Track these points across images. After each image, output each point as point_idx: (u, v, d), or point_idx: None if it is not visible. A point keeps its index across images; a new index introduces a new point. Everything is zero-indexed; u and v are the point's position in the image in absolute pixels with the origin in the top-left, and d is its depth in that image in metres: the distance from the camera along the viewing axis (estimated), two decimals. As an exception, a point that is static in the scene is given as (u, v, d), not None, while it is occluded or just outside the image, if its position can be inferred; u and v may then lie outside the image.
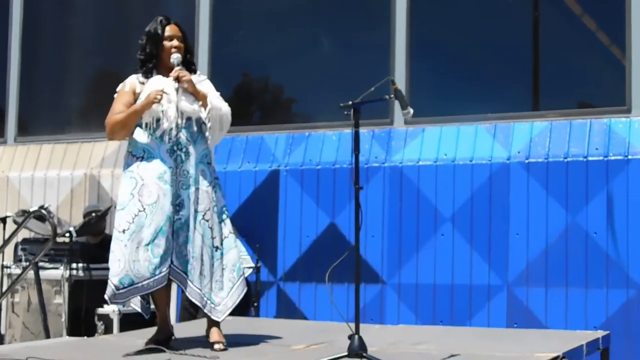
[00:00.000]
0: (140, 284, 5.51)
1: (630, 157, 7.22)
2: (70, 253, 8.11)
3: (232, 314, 5.72)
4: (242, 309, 7.46)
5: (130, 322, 7.48)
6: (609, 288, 7.19)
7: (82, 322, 7.99)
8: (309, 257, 8.11)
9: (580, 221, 7.31)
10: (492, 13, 8.08)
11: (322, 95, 8.54)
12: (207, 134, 5.72)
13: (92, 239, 8.72)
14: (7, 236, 8.19)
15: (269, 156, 8.43)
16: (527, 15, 8.01)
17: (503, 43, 8.05)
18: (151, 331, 5.88)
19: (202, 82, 5.85)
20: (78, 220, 8.81)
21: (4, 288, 8.26)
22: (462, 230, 7.64)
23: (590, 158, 7.34)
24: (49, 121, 10.09)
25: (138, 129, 5.67)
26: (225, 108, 5.81)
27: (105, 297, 5.60)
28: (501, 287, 7.50)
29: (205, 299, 5.60)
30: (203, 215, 5.61)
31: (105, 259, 8.41)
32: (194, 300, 5.63)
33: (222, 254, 5.65)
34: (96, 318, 7.90)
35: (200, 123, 5.72)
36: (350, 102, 5.33)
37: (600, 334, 6.24)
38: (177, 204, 5.56)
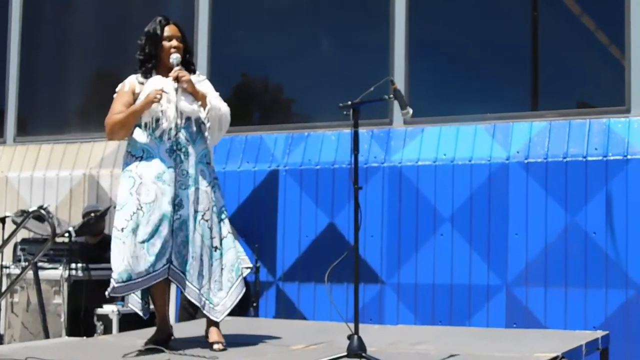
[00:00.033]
0: (137, 280, 5.52)
1: (629, 157, 7.22)
2: (70, 253, 8.11)
3: (231, 314, 5.72)
4: (241, 309, 7.46)
5: (129, 322, 7.48)
6: (608, 288, 7.19)
7: (82, 322, 7.98)
8: (308, 257, 8.11)
9: (579, 221, 7.31)
10: (491, 13, 8.08)
11: (322, 95, 8.54)
12: (206, 134, 5.73)
13: (91, 239, 8.72)
14: (6, 236, 8.19)
15: (268, 156, 8.43)
16: (526, 15, 8.01)
17: (502, 43, 8.05)
18: (150, 331, 5.88)
19: (201, 82, 5.86)
20: (77, 220, 8.81)
21: (3, 288, 8.25)
22: (461, 230, 7.64)
23: (589, 158, 7.34)
24: (48, 121, 10.09)
25: (137, 129, 5.67)
26: (224, 108, 5.81)
27: (106, 293, 5.62)
28: (500, 287, 7.50)
29: (203, 299, 5.60)
30: (202, 215, 5.61)
31: (104, 259, 8.44)
32: (192, 300, 5.63)
33: (221, 254, 5.65)
34: (95, 318, 7.90)
35: (199, 123, 5.73)
36: (349, 102, 5.33)
37: (599, 334, 6.24)
38: (176, 204, 5.56)
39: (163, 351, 5.47)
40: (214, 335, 5.64)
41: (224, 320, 5.72)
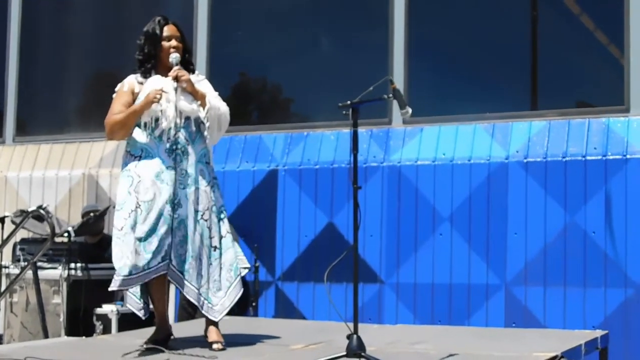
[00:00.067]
0: (134, 276, 5.51)
1: (628, 156, 7.22)
2: (69, 253, 8.11)
3: (230, 313, 5.72)
4: (240, 308, 7.47)
5: (128, 322, 7.48)
6: (607, 287, 7.19)
7: (81, 322, 7.98)
8: (307, 257, 8.11)
9: (578, 220, 7.31)
10: (490, 12, 8.08)
11: (321, 95, 8.54)
12: (205, 133, 5.73)
13: (91, 239, 8.73)
14: (5, 236, 8.19)
15: (267, 156, 8.43)
16: (526, 14, 8.01)
17: (501, 43, 8.05)
18: (150, 331, 5.88)
19: (201, 82, 5.86)
20: (76, 220, 8.81)
21: (3, 288, 8.25)
22: (460, 229, 7.64)
23: (588, 157, 7.34)
24: (47, 121, 10.09)
25: (137, 128, 5.67)
26: (223, 108, 5.81)
27: (109, 288, 5.62)
28: (499, 287, 7.50)
29: (202, 298, 5.60)
30: (202, 215, 5.62)
31: (103, 258, 8.47)
32: (191, 299, 5.63)
33: (220, 253, 5.65)
34: (94, 318, 7.91)
35: (198, 123, 5.73)
36: (348, 102, 5.33)
37: (598, 333, 6.24)
38: (175, 203, 5.56)
39: (162, 351, 5.47)
40: (213, 334, 5.65)
41: (223, 320, 5.72)
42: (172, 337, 5.77)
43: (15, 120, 9.96)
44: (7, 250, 8.48)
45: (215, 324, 5.67)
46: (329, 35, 8.79)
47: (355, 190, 5.24)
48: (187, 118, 5.68)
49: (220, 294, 5.62)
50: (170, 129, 5.60)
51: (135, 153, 5.65)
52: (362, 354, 5.10)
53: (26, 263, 7.98)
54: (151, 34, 5.78)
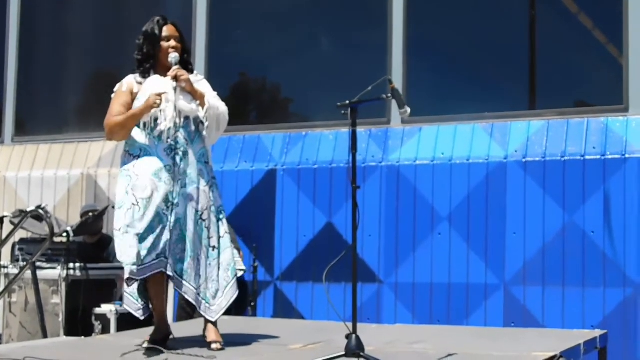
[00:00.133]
0: (134, 270, 5.51)
1: (627, 155, 7.22)
2: (68, 253, 8.10)
3: (229, 313, 5.72)
4: (239, 308, 7.48)
5: (127, 322, 7.46)
6: (606, 287, 7.19)
7: (80, 322, 7.98)
8: (306, 257, 8.11)
9: (577, 220, 7.31)
10: (488, 12, 8.08)
11: (319, 94, 8.54)
12: (204, 133, 5.73)
13: (90, 239, 8.72)
14: (4, 236, 8.18)
15: (266, 156, 8.43)
16: (524, 14, 8.02)
17: (500, 42, 8.05)
18: (149, 331, 5.88)
19: (199, 81, 5.86)
20: (75, 220, 8.81)
21: (2, 288, 8.25)
22: (459, 229, 7.65)
23: (587, 157, 7.35)
24: (46, 121, 10.09)
25: (136, 128, 5.67)
26: (222, 107, 5.81)
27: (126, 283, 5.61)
28: (498, 286, 7.50)
29: (200, 298, 5.60)
30: (200, 215, 5.62)
31: (102, 258, 8.48)
32: (189, 299, 5.63)
33: (218, 253, 5.65)
34: (93, 318, 7.90)
35: (197, 122, 5.73)
36: (347, 102, 5.33)
37: (597, 333, 6.24)
38: (173, 203, 5.56)
39: (161, 351, 5.46)
40: (211, 334, 5.64)
41: (222, 320, 5.72)
42: (171, 336, 5.77)
43: (14, 120, 9.96)
44: (6, 250, 8.48)
45: (214, 323, 5.67)
46: (328, 35, 8.79)
47: (354, 190, 5.24)
48: (187, 118, 5.68)
49: (218, 294, 5.63)
50: (169, 128, 5.60)
51: (133, 153, 5.65)
52: (361, 353, 5.10)
53: (25, 263, 7.98)
54: (150, 34, 5.78)
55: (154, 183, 5.53)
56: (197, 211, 5.61)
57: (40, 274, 8.02)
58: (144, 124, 5.64)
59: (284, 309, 8.16)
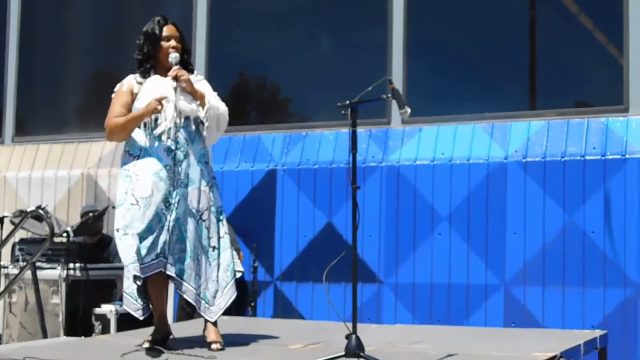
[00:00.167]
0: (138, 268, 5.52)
1: (627, 156, 7.22)
2: (68, 253, 8.10)
3: (229, 313, 5.71)
4: (239, 308, 7.47)
5: (127, 322, 7.45)
6: (606, 287, 7.19)
7: (80, 322, 7.97)
8: (306, 257, 8.11)
9: (577, 220, 7.31)
10: (489, 12, 8.08)
11: (319, 94, 8.54)
12: (204, 133, 5.73)
13: (90, 239, 8.72)
14: (4, 236, 8.18)
15: (266, 156, 8.43)
16: (524, 14, 8.02)
17: (500, 42, 8.05)
18: (148, 331, 5.87)
19: (199, 82, 5.86)
20: (75, 220, 8.81)
21: (2, 288, 8.25)
22: (459, 229, 7.64)
23: (587, 157, 7.34)
24: (46, 121, 10.09)
25: (136, 128, 5.67)
26: (222, 108, 5.81)
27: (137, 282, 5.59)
28: (498, 287, 7.50)
29: (199, 298, 5.60)
30: (200, 215, 5.62)
31: (102, 259, 8.47)
32: (189, 299, 5.63)
33: (218, 253, 5.65)
34: (93, 318, 7.90)
35: (198, 122, 5.73)
36: (347, 102, 5.32)
37: (597, 333, 6.24)
38: (173, 203, 5.56)
39: (161, 351, 5.46)
40: (211, 334, 5.64)
41: (222, 320, 5.72)
42: (171, 337, 5.77)
43: (14, 120, 9.96)
44: (6, 250, 8.47)
45: (214, 323, 5.67)
46: (328, 35, 8.79)
47: (354, 190, 5.24)
48: (187, 118, 5.68)
49: (217, 294, 5.63)
50: (169, 128, 5.60)
51: (134, 153, 5.65)
52: (361, 354, 5.10)
53: (25, 263, 7.97)
54: (150, 33, 5.78)
55: (155, 183, 5.53)
56: (197, 211, 5.61)
57: (40, 274, 8.02)
58: (144, 124, 5.64)
59: (284, 309, 8.16)
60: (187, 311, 7.60)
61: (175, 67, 5.66)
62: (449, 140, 7.82)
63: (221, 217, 5.72)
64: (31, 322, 8.13)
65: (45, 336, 7.76)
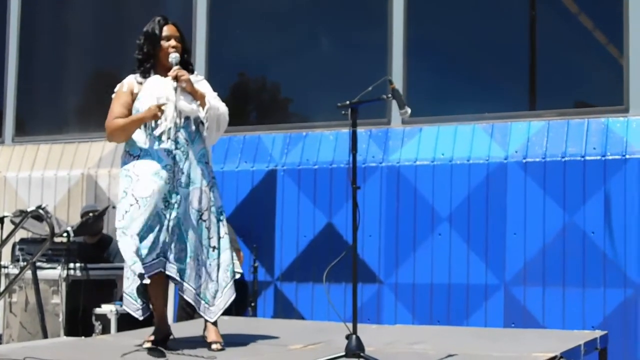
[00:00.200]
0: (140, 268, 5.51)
1: (627, 156, 7.22)
2: (68, 253, 8.10)
3: (229, 313, 5.71)
4: (239, 309, 7.47)
5: (127, 322, 7.45)
6: (606, 287, 7.19)
7: (80, 322, 7.97)
8: (306, 257, 8.11)
9: (577, 221, 7.31)
10: (489, 12, 8.08)
11: (320, 95, 8.54)
12: (204, 133, 5.73)
13: (90, 239, 8.72)
14: (4, 236, 8.18)
15: (266, 156, 8.43)
16: (524, 14, 8.01)
17: (500, 42, 8.05)
18: (149, 331, 5.88)
19: (199, 82, 5.86)
20: (75, 220, 8.81)
21: (2, 288, 8.25)
22: (459, 229, 7.64)
23: (587, 157, 7.34)
24: (46, 121, 10.09)
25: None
26: (222, 108, 5.81)
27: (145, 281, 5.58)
28: (498, 287, 7.50)
29: (199, 299, 5.60)
30: (201, 216, 5.62)
31: (102, 258, 8.47)
32: (188, 300, 5.64)
33: (218, 254, 5.65)
34: (94, 318, 7.90)
35: (198, 123, 5.73)
36: (347, 102, 5.33)
37: (598, 333, 6.24)
38: (173, 203, 5.56)
39: (161, 351, 5.46)
40: (212, 335, 5.64)
41: (222, 320, 5.72)
42: (171, 337, 5.77)
43: (15, 120, 9.96)
44: (7, 250, 8.48)
45: (214, 324, 5.67)
46: (328, 35, 8.79)
47: (354, 190, 5.24)
48: (187, 118, 5.68)
49: (217, 295, 5.63)
50: (170, 129, 5.60)
51: (134, 153, 5.65)
52: (361, 354, 5.10)
53: (25, 263, 7.97)
54: (150, 33, 5.78)
55: (155, 182, 5.53)
56: (197, 211, 5.61)
57: (41, 274, 8.02)
58: (145, 125, 5.64)
59: (284, 309, 8.16)
60: (187, 311, 7.60)
61: (175, 67, 5.66)
62: (449, 140, 7.82)
63: (221, 218, 5.73)
64: (31, 322, 8.13)
65: (45, 336, 7.76)
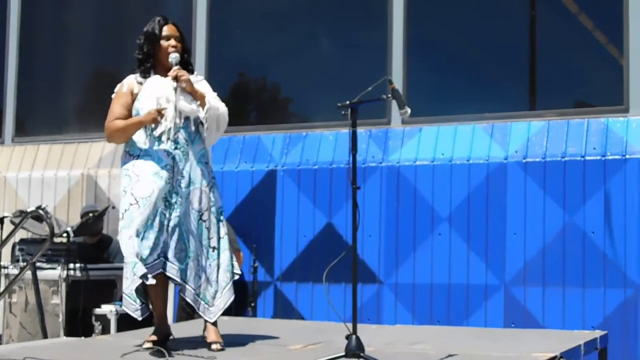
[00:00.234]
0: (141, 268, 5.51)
1: (627, 156, 7.22)
2: (68, 253, 8.09)
3: (229, 314, 5.71)
4: (239, 309, 7.47)
5: (127, 322, 7.44)
6: (606, 287, 7.18)
7: (80, 323, 7.97)
8: (306, 257, 8.11)
9: (577, 221, 7.30)
10: (489, 12, 8.08)
11: (319, 95, 8.53)
12: (204, 133, 5.73)
13: (90, 239, 8.72)
14: (4, 236, 8.18)
15: (266, 156, 8.42)
16: (524, 14, 8.01)
17: (500, 42, 8.05)
18: (149, 331, 5.87)
19: (199, 82, 5.86)
20: (75, 220, 8.80)
21: (2, 288, 8.25)
22: (459, 229, 7.64)
23: (587, 157, 7.34)
24: (46, 121, 10.09)
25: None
26: (222, 108, 5.81)
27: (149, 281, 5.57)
28: (498, 287, 7.49)
29: (199, 299, 5.60)
30: (201, 216, 5.62)
31: (102, 259, 8.47)
32: (188, 300, 5.64)
33: (218, 254, 5.65)
34: (93, 318, 7.89)
35: (197, 123, 5.73)
36: (347, 102, 5.33)
37: (597, 333, 6.24)
38: (173, 203, 5.56)
39: (161, 351, 5.46)
40: (212, 335, 5.64)
41: (222, 320, 5.72)
42: (171, 337, 5.77)
43: (15, 120, 9.96)
44: (6, 250, 8.47)
45: (214, 324, 5.67)
46: (328, 35, 8.78)
47: (354, 190, 5.24)
48: (187, 118, 5.68)
49: (217, 295, 5.63)
50: (169, 129, 5.60)
51: (133, 153, 5.65)
52: (361, 354, 5.10)
53: (25, 263, 7.97)
54: (150, 33, 5.78)
55: (155, 183, 5.53)
56: (197, 212, 5.61)
57: (41, 274, 8.01)
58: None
59: (284, 310, 8.16)
60: (187, 311, 7.60)
61: (175, 67, 5.66)
62: (449, 140, 7.82)
63: (221, 218, 5.73)
64: (31, 322, 8.12)
65: (45, 336, 7.76)
